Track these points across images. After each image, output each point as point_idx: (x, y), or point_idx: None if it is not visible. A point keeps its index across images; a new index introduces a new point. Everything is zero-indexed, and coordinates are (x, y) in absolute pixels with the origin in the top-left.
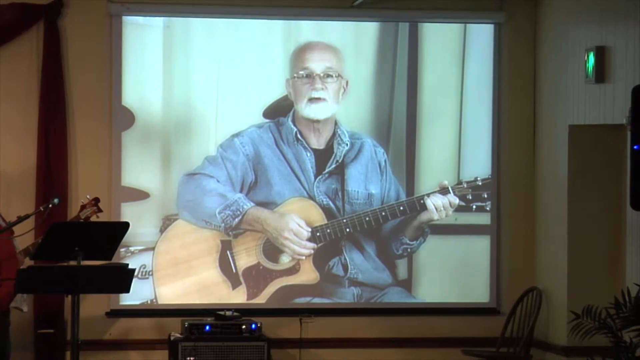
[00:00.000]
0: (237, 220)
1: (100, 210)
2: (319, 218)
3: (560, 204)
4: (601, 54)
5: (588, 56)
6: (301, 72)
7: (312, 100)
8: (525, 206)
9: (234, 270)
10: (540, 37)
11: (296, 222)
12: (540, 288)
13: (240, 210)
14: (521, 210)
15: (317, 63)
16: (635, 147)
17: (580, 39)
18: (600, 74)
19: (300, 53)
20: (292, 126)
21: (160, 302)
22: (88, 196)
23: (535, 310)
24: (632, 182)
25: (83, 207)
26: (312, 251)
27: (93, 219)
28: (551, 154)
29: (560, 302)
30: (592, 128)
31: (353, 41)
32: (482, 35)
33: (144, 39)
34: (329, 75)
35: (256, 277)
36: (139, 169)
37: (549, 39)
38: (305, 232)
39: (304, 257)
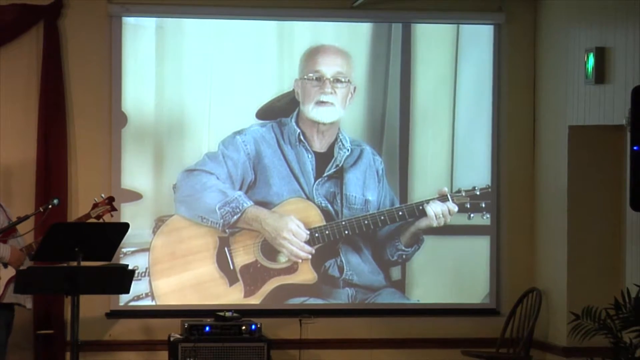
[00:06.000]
0: (235, 217)
1: (114, 209)
2: (318, 219)
3: (560, 205)
4: (601, 54)
5: (588, 57)
6: (311, 75)
7: (319, 103)
8: (525, 207)
9: (231, 267)
10: (539, 38)
11: (295, 223)
12: (540, 289)
13: (240, 208)
14: (521, 210)
15: (328, 67)
16: (635, 147)
17: (580, 40)
18: (600, 74)
19: (312, 55)
20: (295, 127)
21: (155, 295)
22: (102, 195)
23: (535, 311)
24: (632, 183)
25: (95, 205)
26: (310, 255)
27: (107, 218)
28: (551, 155)
29: (560, 302)
30: (592, 129)
31: (347, 43)
32: (480, 37)
33: (137, 39)
34: (338, 80)
35: (254, 275)
36: (132, 170)
37: (549, 39)
38: (304, 233)
39: (300, 260)
